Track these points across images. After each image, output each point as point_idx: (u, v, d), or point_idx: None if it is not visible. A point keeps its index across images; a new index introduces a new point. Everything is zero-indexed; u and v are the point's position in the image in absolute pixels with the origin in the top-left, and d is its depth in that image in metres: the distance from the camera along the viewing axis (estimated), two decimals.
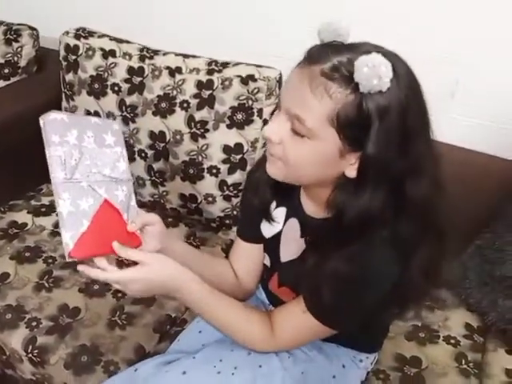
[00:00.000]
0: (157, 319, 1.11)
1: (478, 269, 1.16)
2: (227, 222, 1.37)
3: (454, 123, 1.30)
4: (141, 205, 1.44)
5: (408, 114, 0.66)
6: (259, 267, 0.96)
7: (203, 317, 0.83)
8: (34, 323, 1.07)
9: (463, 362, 1.06)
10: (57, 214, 0.71)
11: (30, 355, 1.04)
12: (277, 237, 0.88)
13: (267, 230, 0.90)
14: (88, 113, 1.40)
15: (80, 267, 0.74)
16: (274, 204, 0.88)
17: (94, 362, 1.02)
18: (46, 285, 1.16)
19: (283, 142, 0.70)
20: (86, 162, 0.73)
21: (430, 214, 0.72)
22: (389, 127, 0.65)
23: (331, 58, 0.66)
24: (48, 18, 1.63)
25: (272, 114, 1.27)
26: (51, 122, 0.72)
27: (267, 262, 0.93)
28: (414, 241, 0.72)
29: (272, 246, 0.90)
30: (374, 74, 0.62)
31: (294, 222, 0.86)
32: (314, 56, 0.68)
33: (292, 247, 0.85)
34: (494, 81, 1.23)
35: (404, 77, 0.66)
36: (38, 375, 1.06)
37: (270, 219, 0.88)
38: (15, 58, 1.55)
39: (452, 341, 1.10)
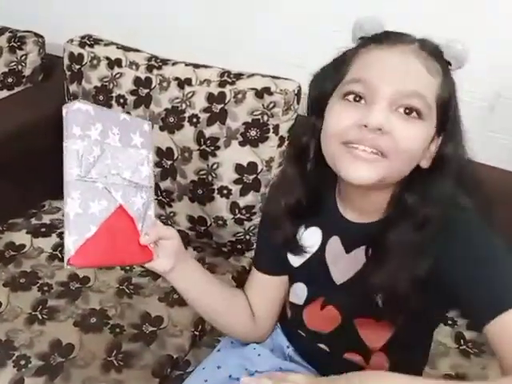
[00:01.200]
0: (156, 360, 1.00)
1: None
2: (239, 246, 1.26)
3: (492, 141, 1.16)
4: None
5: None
6: (279, 306, 0.85)
7: None
8: (23, 362, 0.97)
9: (462, 342, 0.99)
10: (63, 215, 0.63)
11: None
12: (316, 259, 0.77)
13: (296, 256, 0.79)
14: None
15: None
16: (302, 227, 0.77)
17: None
18: (40, 316, 1.06)
19: (393, 131, 0.62)
20: (106, 160, 0.66)
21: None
22: (457, 107, 0.67)
23: (411, 37, 0.65)
24: (55, 23, 1.55)
25: (289, 131, 1.15)
26: (74, 112, 0.64)
27: (299, 295, 0.80)
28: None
29: (311, 270, 0.78)
30: (465, 52, 0.64)
31: (335, 240, 0.75)
32: (397, 36, 0.65)
33: (341, 267, 0.74)
34: None
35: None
36: None
37: (299, 250, 0.77)
38: (19, 67, 1.47)
39: (449, 322, 1.04)
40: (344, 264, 0.74)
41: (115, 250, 0.66)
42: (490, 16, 1.08)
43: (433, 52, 0.64)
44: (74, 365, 0.97)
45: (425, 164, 0.67)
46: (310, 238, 0.77)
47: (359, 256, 0.72)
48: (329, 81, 0.68)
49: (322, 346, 0.80)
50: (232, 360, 0.88)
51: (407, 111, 0.62)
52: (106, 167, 0.66)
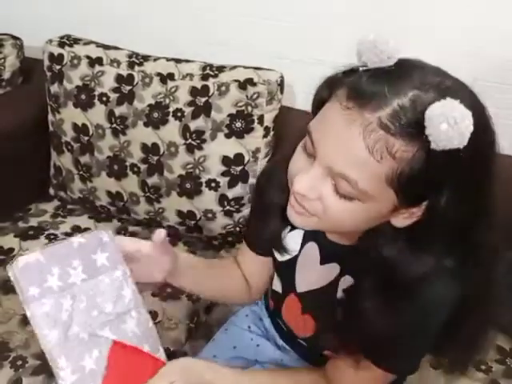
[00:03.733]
0: None
1: (510, 287, 1.04)
2: (229, 239, 1.26)
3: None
4: (136, 223, 1.34)
5: (482, 159, 0.55)
6: (270, 270, 0.85)
7: None
8: (20, 362, 0.97)
9: None
10: (50, 218, 0.58)
11: None
12: (292, 262, 0.77)
13: (281, 253, 0.79)
14: (76, 127, 1.30)
15: None
16: (288, 228, 0.77)
17: None
18: None
19: (323, 199, 0.57)
20: (81, 305, 0.58)
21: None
22: (460, 182, 0.54)
23: (389, 100, 0.51)
24: (33, 26, 1.53)
25: (274, 121, 1.17)
26: (23, 271, 0.56)
27: (278, 287, 0.82)
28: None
29: (286, 271, 0.79)
30: (455, 132, 0.49)
31: (312, 247, 0.75)
32: (366, 97, 0.52)
33: (311, 275, 0.74)
34: None
35: (477, 120, 0.51)
36: None
37: (282, 250, 0.77)
38: None
39: (483, 366, 0.99)
40: (312, 274, 0.74)
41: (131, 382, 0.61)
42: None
43: (404, 128, 0.51)
44: None
45: (399, 223, 0.58)
46: (293, 239, 0.77)
47: (330, 273, 0.71)
48: (324, 92, 0.60)
49: (301, 341, 0.82)
50: (228, 350, 0.89)
51: (337, 190, 0.56)
52: (84, 313, 0.58)
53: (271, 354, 0.87)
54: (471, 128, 0.49)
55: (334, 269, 0.71)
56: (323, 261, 0.73)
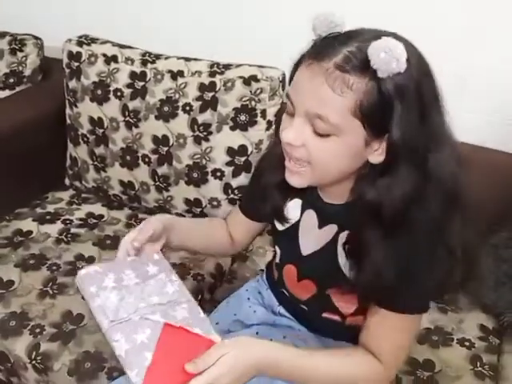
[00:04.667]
0: None
1: (494, 268, 1.12)
2: None
3: (461, 119, 1.27)
4: (146, 211, 1.43)
5: (423, 88, 0.66)
6: (255, 232, 0.98)
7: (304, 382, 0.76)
8: (38, 330, 1.06)
9: (478, 364, 1.02)
10: (117, 358, 0.66)
11: (34, 362, 1.02)
12: (293, 229, 0.86)
13: (280, 224, 0.88)
14: (92, 120, 1.39)
15: None
16: (287, 198, 0.86)
17: (98, 368, 1.00)
18: (50, 292, 1.15)
19: (306, 144, 0.68)
20: (129, 299, 0.71)
21: (456, 189, 0.71)
22: (409, 105, 0.64)
23: (339, 49, 0.64)
24: (52, 28, 1.64)
25: (276, 115, 1.26)
26: (85, 277, 0.73)
27: (277, 257, 0.90)
28: (446, 218, 0.71)
29: (287, 239, 0.87)
30: (391, 57, 0.62)
31: (311, 214, 0.84)
32: (321, 51, 0.66)
33: (311, 239, 0.83)
34: (499, 75, 1.21)
35: (413, 53, 0.65)
36: (42, 383, 1.04)
37: (283, 220, 0.86)
38: (20, 68, 1.56)
39: (466, 343, 1.07)
40: (314, 237, 0.82)
41: (180, 364, 0.65)
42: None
43: (353, 66, 0.63)
44: (86, 331, 1.06)
45: (374, 160, 0.68)
46: (293, 208, 0.85)
47: (328, 233, 0.79)
48: (294, 71, 0.72)
49: (302, 306, 0.89)
50: (229, 317, 0.97)
51: (315, 130, 0.67)
52: (131, 305, 0.70)
53: (265, 318, 0.95)
54: (405, 54, 0.62)
55: (331, 229, 0.79)
56: (321, 224, 0.81)
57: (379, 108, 0.64)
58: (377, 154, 0.68)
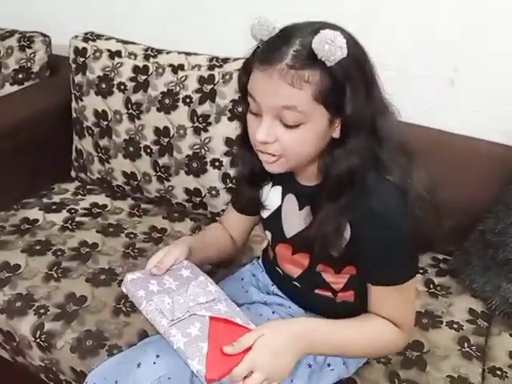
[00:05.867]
0: None
1: (481, 254, 1.15)
2: None
3: (454, 111, 1.31)
4: (148, 201, 1.48)
5: (364, 66, 0.74)
6: (251, 228, 1.04)
7: (341, 351, 0.84)
8: (42, 310, 1.11)
9: (466, 345, 1.05)
10: (175, 350, 0.74)
11: (38, 340, 1.07)
12: (276, 213, 0.91)
13: (265, 210, 0.93)
14: (96, 113, 1.45)
15: None
16: (269, 184, 0.92)
17: (99, 346, 1.04)
18: (55, 275, 1.20)
19: (279, 139, 0.74)
20: (180, 301, 0.80)
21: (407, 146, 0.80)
22: (356, 83, 0.72)
23: (286, 51, 0.70)
24: (59, 27, 1.69)
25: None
26: (131, 283, 0.81)
27: (269, 239, 0.96)
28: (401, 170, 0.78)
29: (273, 222, 0.93)
30: (335, 47, 0.68)
31: (291, 197, 0.89)
32: (270, 56, 0.71)
33: (294, 221, 0.88)
34: (493, 67, 1.24)
35: (348, 37, 0.72)
36: (47, 361, 1.09)
37: (262, 207, 0.93)
38: (29, 64, 1.62)
39: (455, 325, 1.10)
40: (295, 220, 0.87)
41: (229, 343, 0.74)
42: None
43: (303, 62, 0.69)
44: (88, 311, 1.11)
45: (336, 135, 0.76)
46: (274, 195, 0.92)
47: (307, 214, 0.84)
48: (245, 76, 0.78)
49: (295, 283, 0.94)
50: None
51: (285, 122, 0.72)
52: (183, 305, 0.79)
53: (256, 298, 1.00)
54: (344, 41, 0.69)
55: (309, 210, 0.84)
56: (301, 206, 0.87)
57: (335, 91, 0.71)
58: (338, 130, 0.75)
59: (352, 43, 0.72)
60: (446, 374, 0.99)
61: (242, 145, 0.86)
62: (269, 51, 0.72)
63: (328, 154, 0.76)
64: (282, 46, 0.70)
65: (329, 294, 0.91)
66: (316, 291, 0.92)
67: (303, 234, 0.85)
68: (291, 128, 0.72)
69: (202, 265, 0.93)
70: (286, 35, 0.72)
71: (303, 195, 0.86)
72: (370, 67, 0.75)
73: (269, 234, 0.95)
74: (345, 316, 0.85)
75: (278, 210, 0.91)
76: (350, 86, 0.71)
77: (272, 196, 0.91)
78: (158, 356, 0.81)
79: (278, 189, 0.91)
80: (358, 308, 0.86)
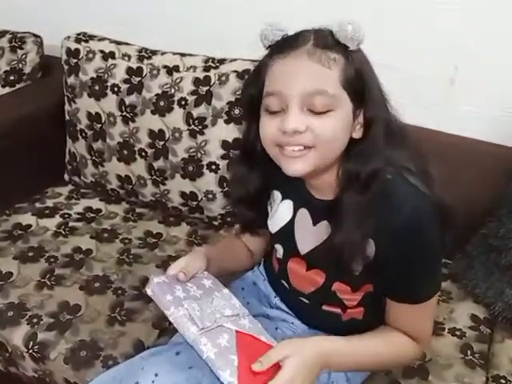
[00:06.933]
0: (156, 315, 1.10)
1: (484, 258, 1.13)
2: (229, 219, 1.36)
3: (454, 111, 1.29)
4: (143, 205, 1.45)
5: (370, 63, 0.75)
6: (267, 240, 0.99)
7: (358, 367, 0.83)
8: (35, 320, 1.08)
9: (469, 353, 1.03)
10: (204, 360, 0.71)
11: (31, 351, 1.04)
12: (288, 228, 0.88)
13: (274, 224, 0.90)
14: (90, 115, 1.42)
15: None
16: (279, 197, 0.89)
17: (93, 356, 1.01)
18: (48, 283, 1.17)
19: (310, 126, 0.71)
20: (207, 310, 0.77)
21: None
22: (372, 78, 0.73)
23: (308, 35, 0.71)
24: (51, 27, 1.66)
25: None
26: (158, 286, 0.78)
27: (280, 253, 0.91)
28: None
29: (285, 237, 0.89)
30: (357, 29, 0.69)
31: (303, 212, 0.86)
32: (293, 42, 0.71)
33: (308, 236, 0.84)
34: (495, 67, 1.21)
35: None
36: (40, 371, 1.06)
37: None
38: (20, 65, 1.58)
39: (457, 332, 1.07)
40: (308, 236, 0.84)
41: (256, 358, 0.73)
42: None
43: (328, 43, 0.70)
44: (82, 321, 1.08)
45: (357, 135, 0.74)
46: (285, 208, 0.88)
47: (323, 229, 0.80)
48: (253, 87, 0.77)
49: (302, 299, 0.91)
50: None
51: (314, 110, 0.70)
52: (211, 315, 0.76)
53: (258, 310, 0.96)
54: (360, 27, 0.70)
55: (325, 226, 0.81)
56: (315, 221, 0.83)
57: (357, 80, 0.71)
58: (358, 129, 0.74)
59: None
60: (449, 383, 0.96)
61: (244, 163, 0.84)
62: (288, 40, 0.72)
63: (350, 157, 0.74)
64: (303, 32, 0.71)
65: (337, 310, 0.87)
66: (324, 307, 0.88)
67: (320, 249, 0.82)
68: (320, 115, 0.70)
69: (218, 276, 0.89)
70: (300, 32, 0.73)
71: (317, 209, 0.82)
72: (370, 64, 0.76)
73: (280, 248, 0.91)
74: (349, 334, 0.81)
75: (290, 225, 0.87)
76: (368, 79, 0.71)
77: (282, 209, 0.88)
78: (156, 375, 0.77)
79: (289, 203, 0.87)
80: (363, 326, 0.83)
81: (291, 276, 0.91)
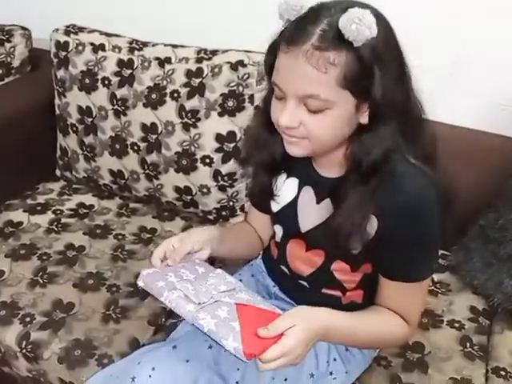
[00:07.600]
0: (152, 312, 1.09)
1: (482, 249, 1.12)
2: (224, 213, 1.34)
3: (453, 102, 1.27)
4: (136, 200, 1.42)
5: (394, 47, 0.72)
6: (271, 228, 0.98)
7: (352, 342, 0.84)
8: (28, 319, 1.06)
9: (468, 345, 1.02)
10: (207, 333, 0.71)
11: (24, 351, 1.03)
12: (290, 207, 0.88)
13: (276, 203, 0.90)
14: (80, 109, 1.39)
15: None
16: (283, 177, 0.89)
17: (88, 355, 1.00)
18: (41, 281, 1.15)
19: (303, 123, 0.72)
20: (202, 289, 0.77)
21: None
22: (386, 65, 0.69)
23: (312, 30, 0.68)
24: (39, 19, 1.62)
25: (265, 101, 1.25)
26: (148, 276, 0.79)
27: (279, 235, 0.91)
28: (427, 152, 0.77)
29: (286, 216, 0.89)
30: (363, 26, 0.65)
31: (308, 190, 0.86)
32: (295, 36, 0.69)
33: (311, 215, 0.84)
34: (494, 59, 1.20)
35: (378, 15, 0.70)
36: (34, 371, 1.04)
37: (275, 197, 0.89)
38: (8, 59, 1.55)
39: (456, 324, 1.06)
40: (312, 214, 0.84)
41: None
42: None
43: (330, 43, 0.67)
44: (76, 319, 1.06)
45: (364, 120, 0.73)
46: (289, 186, 0.88)
47: (326, 208, 0.81)
48: (270, 58, 0.76)
49: (302, 282, 0.90)
50: None
51: (309, 108, 0.71)
52: (207, 292, 0.76)
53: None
54: (373, 20, 0.66)
55: (328, 203, 0.81)
56: (319, 199, 0.84)
57: (362, 74, 0.68)
58: (365, 115, 0.73)
59: (382, 22, 0.70)
60: (448, 376, 0.95)
61: (265, 128, 0.83)
62: (295, 31, 0.70)
63: (356, 141, 0.74)
64: (309, 26, 0.68)
65: (337, 293, 0.88)
66: (323, 290, 0.88)
67: (321, 228, 0.82)
68: (315, 113, 0.71)
69: (229, 258, 0.90)
70: (313, 14, 0.70)
71: (322, 187, 0.83)
72: (398, 45, 0.73)
73: (279, 229, 0.91)
74: None
75: (293, 203, 0.87)
76: (378, 68, 0.68)
77: (286, 188, 0.88)
78: (153, 369, 0.77)
79: (294, 180, 0.87)
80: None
81: (290, 258, 0.91)
